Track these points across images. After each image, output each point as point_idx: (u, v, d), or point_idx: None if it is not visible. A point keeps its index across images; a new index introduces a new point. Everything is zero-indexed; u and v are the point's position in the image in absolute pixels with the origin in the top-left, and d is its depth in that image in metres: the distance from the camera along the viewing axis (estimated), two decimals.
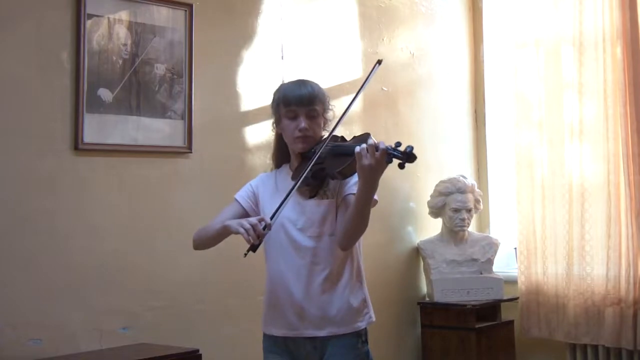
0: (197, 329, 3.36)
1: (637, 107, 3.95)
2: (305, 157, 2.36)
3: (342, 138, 2.39)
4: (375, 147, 2.08)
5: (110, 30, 3.20)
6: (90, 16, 3.13)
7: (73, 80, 3.08)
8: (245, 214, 2.41)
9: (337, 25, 4.17)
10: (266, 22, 3.80)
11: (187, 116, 3.42)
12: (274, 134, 2.50)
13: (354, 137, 2.36)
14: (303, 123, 2.32)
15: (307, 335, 2.32)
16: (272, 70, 3.80)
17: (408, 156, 2.06)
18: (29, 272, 2.92)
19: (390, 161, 2.10)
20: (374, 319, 2.41)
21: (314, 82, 2.41)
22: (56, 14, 3.06)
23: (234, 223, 2.23)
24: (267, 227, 2.15)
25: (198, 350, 3.00)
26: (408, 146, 2.08)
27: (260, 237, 2.14)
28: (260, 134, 3.70)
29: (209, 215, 3.44)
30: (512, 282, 4.37)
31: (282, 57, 3.85)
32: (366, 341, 2.39)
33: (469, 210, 4.32)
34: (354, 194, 2.27)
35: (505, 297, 4.28)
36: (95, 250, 3.11)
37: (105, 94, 3.17)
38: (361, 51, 4.25)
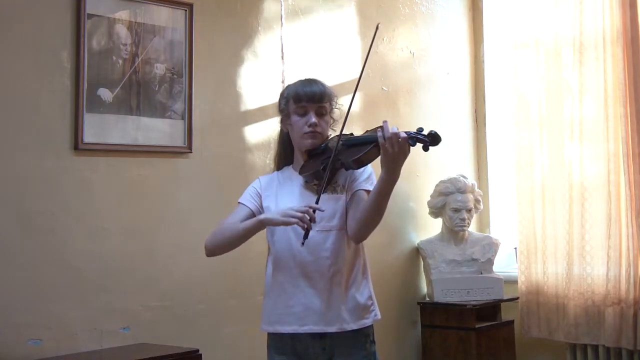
0: (197, 329, 3.36)
1: (637, 107, 3.95)
2: (312, 155, 2.36)
3: (351, 134, 2.40)
4: (397, 134, 2.11)
5: (110, 30, 3.20)
6: (90, 16, 3.13)
7: (73, 80, 3.08)
8: (253, 216, 2.39)
9: (337, 25, 4.17)
10: (266, 22, 3.80)
11: (187, 116, 3.42)
12: (278, 134, 2.50)
13: (367, 130, 2.37)
14: (313, 118, 2.34)
15: (315, 331, 2.29)
16: (272, 70, 3.80)
17: (433, 138, 2.12)
18: (29, 272, 2.92)
19: (414, 144, 2.14)
20: (379, 316, 2.40)
21: (322, 81, 2.44)
22: (56, 14, 3.06)
23: (275, 216, 2.21)
24: (317, 210, 2.16)
25: (198, 350, 3.00)
26: (431, 130, 2.12)
27: (313, 222, 2.14)
28: (260, 134, 3.70)
29: (209, 215, 3.47)
30: (512, 282, 4.37)
31: (282, 57, 3.85)
32: (373, 341, 2.39)
33: (469, 210, 4.32)
34: (364, 189, 2.31)
35: (505, 297, 4.28)
36: (95, 250, 3.11)
37: (105, 94, 3.17)
38: (361, 51, 4.25)
